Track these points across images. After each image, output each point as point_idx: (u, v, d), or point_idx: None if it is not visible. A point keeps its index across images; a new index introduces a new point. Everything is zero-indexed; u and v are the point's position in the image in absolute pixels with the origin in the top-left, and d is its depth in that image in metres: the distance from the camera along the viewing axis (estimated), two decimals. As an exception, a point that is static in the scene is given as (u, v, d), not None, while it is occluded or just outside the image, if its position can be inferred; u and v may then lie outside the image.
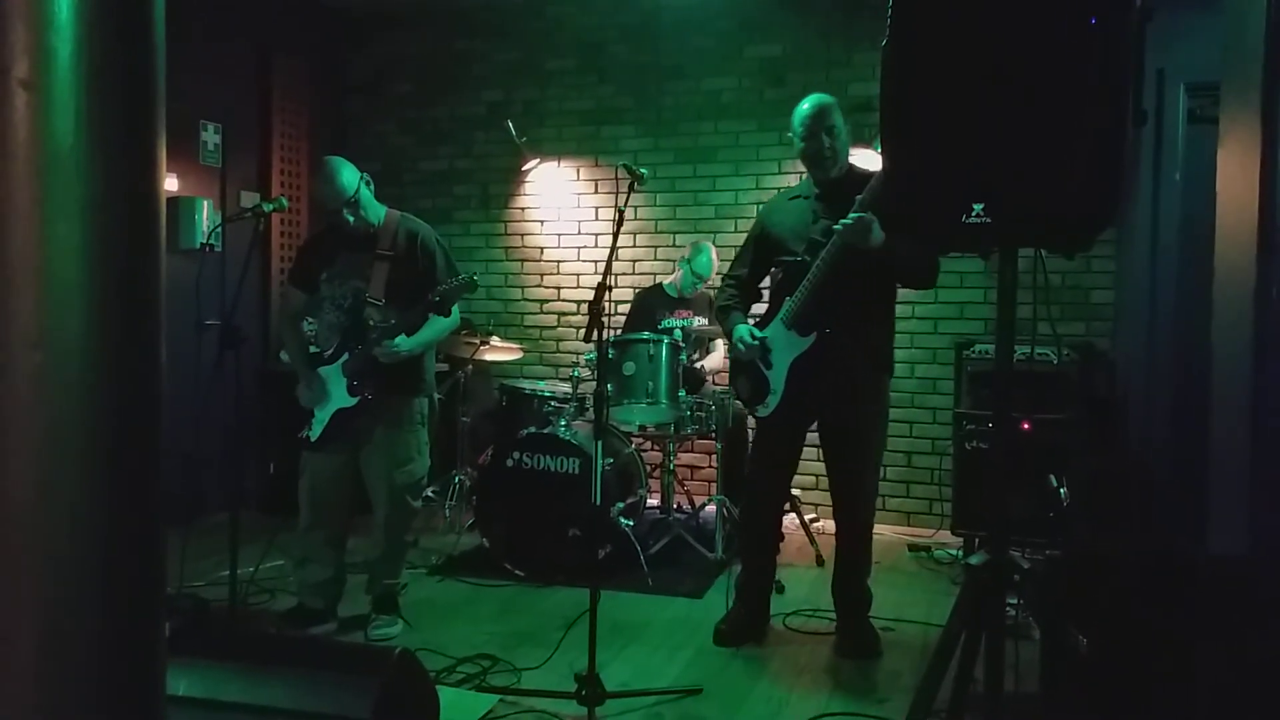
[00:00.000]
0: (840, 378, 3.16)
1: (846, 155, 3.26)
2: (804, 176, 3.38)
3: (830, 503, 3.44)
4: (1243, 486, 2.47)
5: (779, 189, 5.38)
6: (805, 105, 3.23)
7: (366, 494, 3.46)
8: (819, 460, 3.46)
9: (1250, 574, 2.21)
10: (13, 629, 0.95)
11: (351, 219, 3.30)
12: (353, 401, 3.31)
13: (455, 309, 3.43)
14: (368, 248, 3.36)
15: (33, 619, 0.95)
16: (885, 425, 3.39)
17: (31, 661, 0.95)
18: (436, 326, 3.38)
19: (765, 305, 3.43)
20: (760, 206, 3.54)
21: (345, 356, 3.33)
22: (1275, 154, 2.30)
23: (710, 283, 5.07)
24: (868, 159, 5.08)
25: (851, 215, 2.94)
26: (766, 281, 3.54)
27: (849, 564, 3.35)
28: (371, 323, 3.31)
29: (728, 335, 3.42)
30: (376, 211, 3.40)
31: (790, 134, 3.27)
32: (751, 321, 3.36)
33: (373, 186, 3.39)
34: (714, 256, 4.96)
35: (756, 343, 3.24)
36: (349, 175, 3.30)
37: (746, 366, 3.32)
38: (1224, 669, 1.96)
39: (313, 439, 3.37)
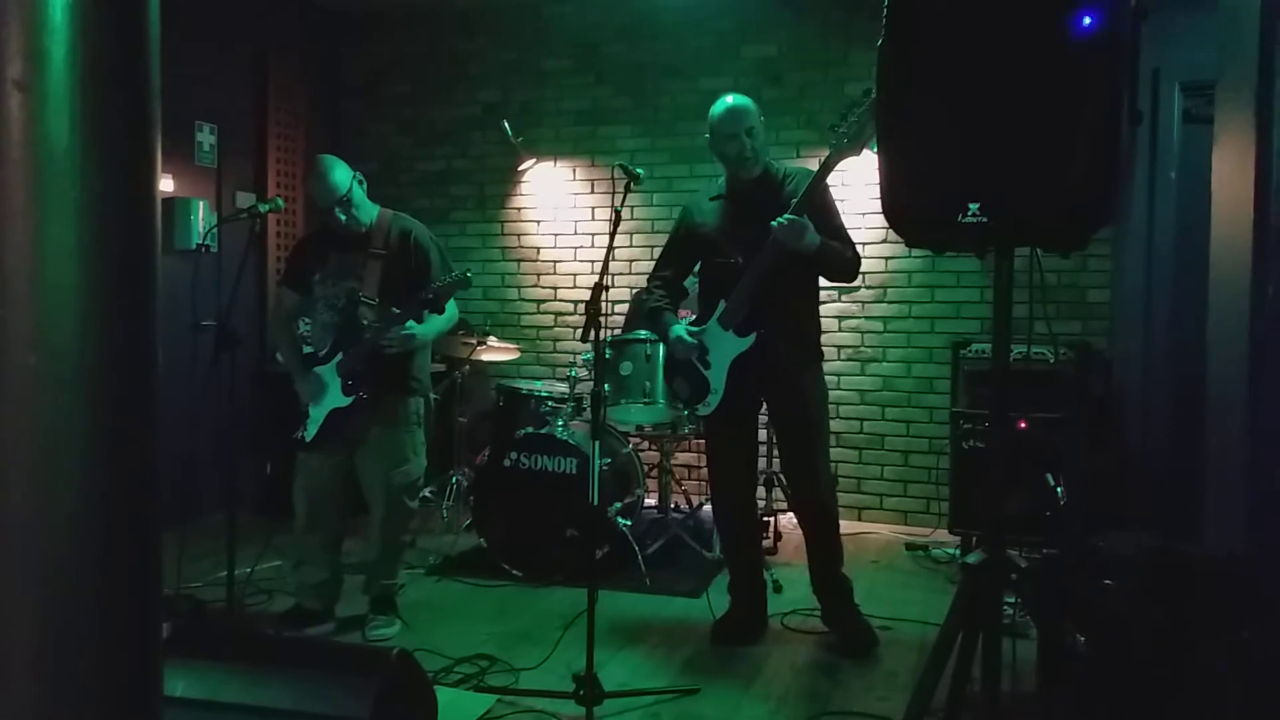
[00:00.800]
0: (780, 371, 3.25)
1: (765, 155, 3.32)
2: (720, 178, 3.43)
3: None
4: (1239, 484, 2.48)
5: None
6: (719, 107, 3.28)
7: (362, 495, 3.45)
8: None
9: (1247, 572, 2.21)
10: (10, 630, 0.95)
11: (343, 218, 3.30)
12: (347, 401, 3.31)
13: (453, 305, 3.44)
14: (361, 247, 3.36)
15: (30, 620, 0.95)
16: (826, 409, 3.47)
17: (29, 662, 0.95)
18: (438, 321, 3.38)
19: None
20: (679, 208, 3.58)
21: (339, 356, 3.32)
22: (1269, 153, 2.31)
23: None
24: (866, 159, 5.10)
25: (785, 217, 3.02)
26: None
27: (821, 554, 3.38)
28: (366, 322, 3.30)
29: (662, 337, 3.47)
30: (369, 211, 3.39)
31: (706, 134, 3.32)
32: (684, 321, 3.40)
33: (365, 186, 3.38)
34: None
35: (694, 342, 3.28)
36: (341, 174, 3.29)
37: (683, 367, 3.37)
38: (1221, 667, 1.96)
39: (307, 439, 3.36)
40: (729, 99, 3.30)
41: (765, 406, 3.44)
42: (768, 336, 3.20)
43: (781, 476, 3.64)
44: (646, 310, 3.54)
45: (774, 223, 3.04)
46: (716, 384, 3.28)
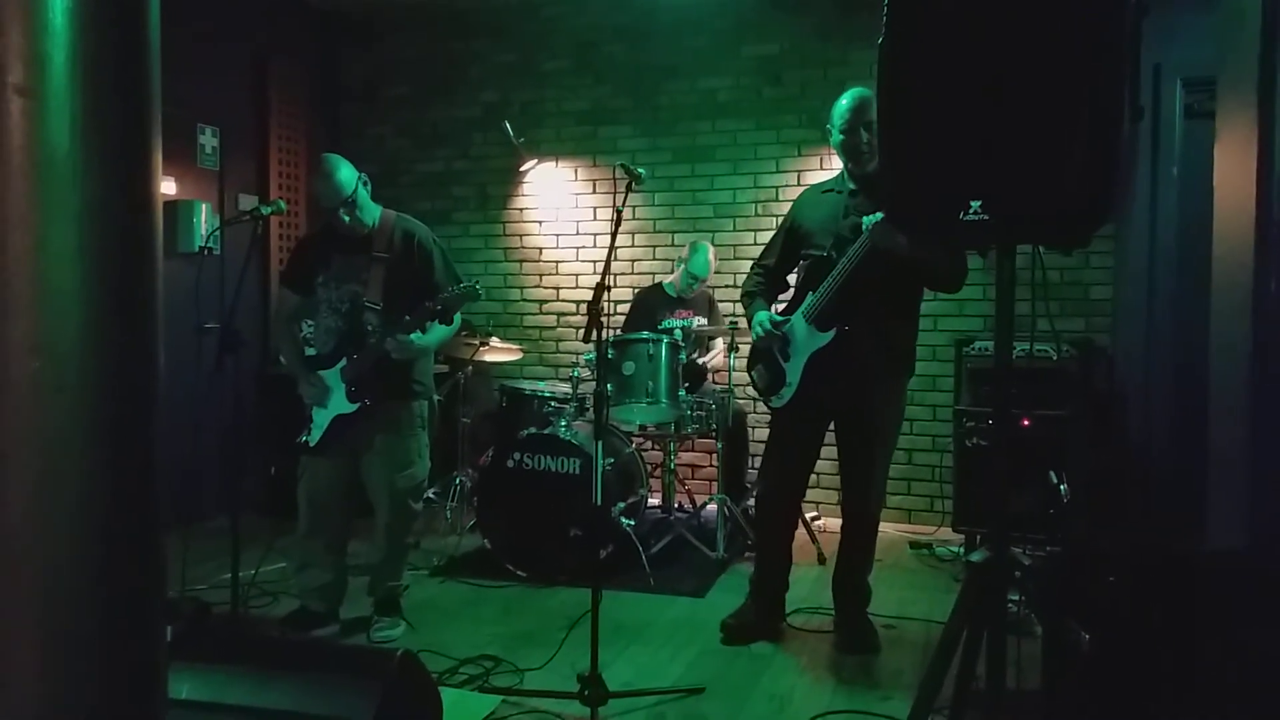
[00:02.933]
0: (857, 375, 3.14)
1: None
2: (841, 170, 3.30)
3: (833, 500, 3.44)
4: (1241, 481, 2.47)
5: (777, 187, 5.40)
6: (845, 99, 3.16)
7: (366, 496, 3.45)
8: (821, 458, 3.45)
9: (1249, 569, 2.21)
10: (13, 633, 0.95)
11: (347, 219, 3.29)
12: (352, 408, 3.31)
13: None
14: (364, 250, 3.35)
15: (33, 624, 0.95)
16: (899, 425, 3.35)
17: (32, 665, 0.95)
18: (442, 330, 3.37)
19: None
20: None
21: (343, 362, 3.32)
22: (1272, 148, 2.31)
23: (708, 282, 5.08)
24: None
25: (879, 214, 2.91)
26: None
27: (852, 560, 3.35)
28: (370, 328, 3.30)
29: (749, 320, 3.40)
30: (372, 212, 3.38)
31: (828, 126, 3.22)
32: (776, 309, 3.34)
33: (370, 187, 3.38)
34: (711, 257, 4.95)
35: (777, 331, 3.23)
36: (347, 174, 3.29)
37: (764, 355, 3.31)
38: (1225, 663, 1.96)
39: (311, 444, 3.36)
40: (855, 90, 3.17)
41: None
42: (850, 336, 3.10)
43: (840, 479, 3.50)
44: (742, 294, 3.50)
45: (866, 219, 2.95)
46: (792, 377, 3.22)
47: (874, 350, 3.14)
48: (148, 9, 1.00)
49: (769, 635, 3.40)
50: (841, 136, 3.15)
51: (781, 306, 3.37)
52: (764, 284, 3.42)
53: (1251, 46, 2.39)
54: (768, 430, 3.49)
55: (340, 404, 3.32)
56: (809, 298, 3.18)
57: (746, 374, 3.56)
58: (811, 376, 3.18)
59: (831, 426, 3.35)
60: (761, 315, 3.29)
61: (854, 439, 3.28)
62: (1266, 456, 2.36)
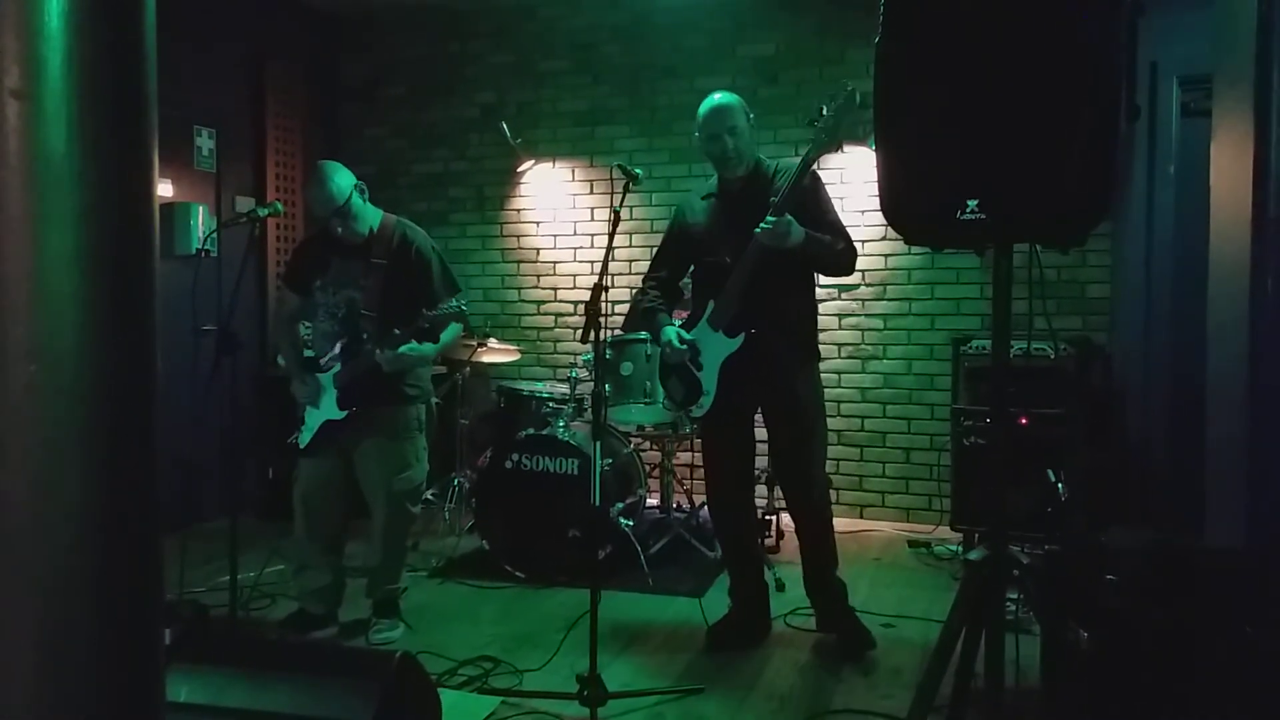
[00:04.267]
0: (772, 371, 3.20)
1: (752, 153, 3.29)
2: (713, 177, 3.40)
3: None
4: (1239, 478, 2.48)
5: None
6: (704, 107, 3.26)
7: (364, 497, 3.45)
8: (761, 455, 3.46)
9: (1248, 565, 2.22)
10: (11, 637, 0.95)
11: (340, 229, 3.28)
12: (341, 415, 3.30)
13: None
14: (362, 255, 3.34)
15: (31, 627, 0.95)
16: (822, 410, 3.41)
17: (30, 669, 0.95)
18: (431, 346, 3.35)
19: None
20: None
21: (336, 368, 3.32)
22: (1267, 146, 2.31)
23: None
24: (864, 156, 5.11)
25: (767, 221, 2.98)
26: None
27: (815, 556, 3.35)
28: (365, 335, 3.29)
29: (655, 338, 3.44)
30: (370, 219, 3.37)
31: (695, 134, 3.30)
32: (678, 322, 3.38)
33: (367, 194, 3.36)
34: None
35: (685, 346, 3.26)
36: (342, 181, 3.26)
37: (677, 369, 3.34)
38: (1223, 661, 1.96)
39: (301, 445, 3.36)
40: (715, 97, 3.28)
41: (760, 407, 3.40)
42: (758, 337, 3.16)
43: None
44: (641, 311, 3.51)
45: (757, 229, 3.01)
46: (708, 385, 3.25)
47: (783, 346, 3.20)
48: (143, 11, 1.00)
49: (754, 640, 3.38)
50: (707, 145, 3.23)
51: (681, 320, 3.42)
52: (661, 297, 3.45)
53: (1247, 44, 2.40)
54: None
55: (331, 409, 3.32)
56: (710, 305, 3.23)
57: (661, 388, 3.60)
58: (727, 382, 3.22)
59: (761, 426, 3.39)
60: (669, 330, 3.31)
61: (784, 434, 3.31)
62: (1263, 453, 2.36)
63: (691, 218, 3.40)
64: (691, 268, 3.44)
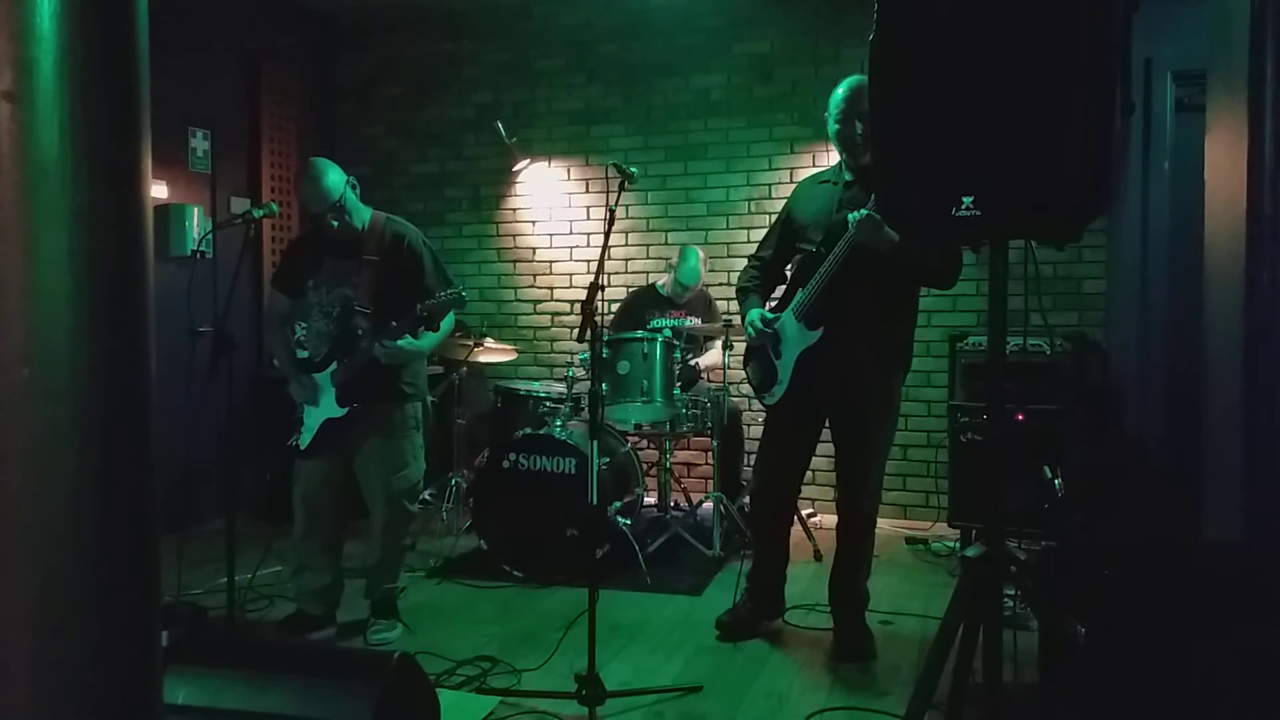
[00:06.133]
0: (847, 373, 3.11)
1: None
2: (839, 161, 3.28)
3: (829, 497, 3.41)
4: (1236, 474, 2.48)
5: (769, 185, 5.40)
6: (840, 89, 3.13)
7: (361, 498, 3.45)
8: (817, 454, 3.44)
9: (1244, 561, 2.22)
10: (8, 640, 0.95)
11: (335, 224, 3.28)
12: (342, 412, 3.30)
13: (450, 316, 3.41)
14: (354, 253, 3.34)
15: (29, 630, 0.95)
16: (894, 422, 3.32)
17: (27, 671, 0.95)
18: (432, 335, 3.37)
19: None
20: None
21: (334, 366, 3.31)
22: (1262, 142, 2.31)
23: (705, 280, 5.07)
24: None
25: (864, 210, 2.88)
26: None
27: (849, 562, 3.30)
28: (361, 331, 3.29)
29: (742, 317, 3.38)
30: (362, 215, 3.37)
31: (825, 115, 3.20)
32: (769, 306, 3.33)
33: (358, 190, 3.37)
34: (700, 262, 4.92)
35: (768, 330, 3.21)
36: (335, 177, 3.27)
37: (757, 352, 3.30)
38: (1219, 656, 1.97)
39: (302, 447, 3.36)
40: (850, 80, 3.13)
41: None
42: (839, 334, 3.07)
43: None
44: (737, 289, 3.46)
45: (850, 216, 2.91)
46: (783, 375, 3.19)
47: (863, 348, 3.10)
48: (136, 12, 1.00)
49: (764, 631, 3.39)
50: (836, 126, 3.13)
51: (773, 304, 3.36)
52: (759, 278, 3.39)
53: (1241, 40, 2.40)
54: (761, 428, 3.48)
55: (330, 407, 3.32)
56: (799, 294, 3.16)
57: (743, 370, 3.55)
58: (801, 374, 3.16)
59: (827, 424, 3.35)
60: (754, 314, 3.27)
61: (847, 437, 3.26)
62: (1260, 449, 2.36)
63: (803, 203, 3.31)
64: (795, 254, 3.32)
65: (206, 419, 3.56)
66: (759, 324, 3.23)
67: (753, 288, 3.38)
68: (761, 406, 3.43)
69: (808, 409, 3.26)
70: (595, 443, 2.75)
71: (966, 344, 4.35)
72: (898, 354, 3.21)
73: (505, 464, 4.10)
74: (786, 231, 3.34)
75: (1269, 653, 1.87)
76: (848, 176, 3.20)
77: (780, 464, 3.35)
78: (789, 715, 2.80)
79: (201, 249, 4.69)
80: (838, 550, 3.34)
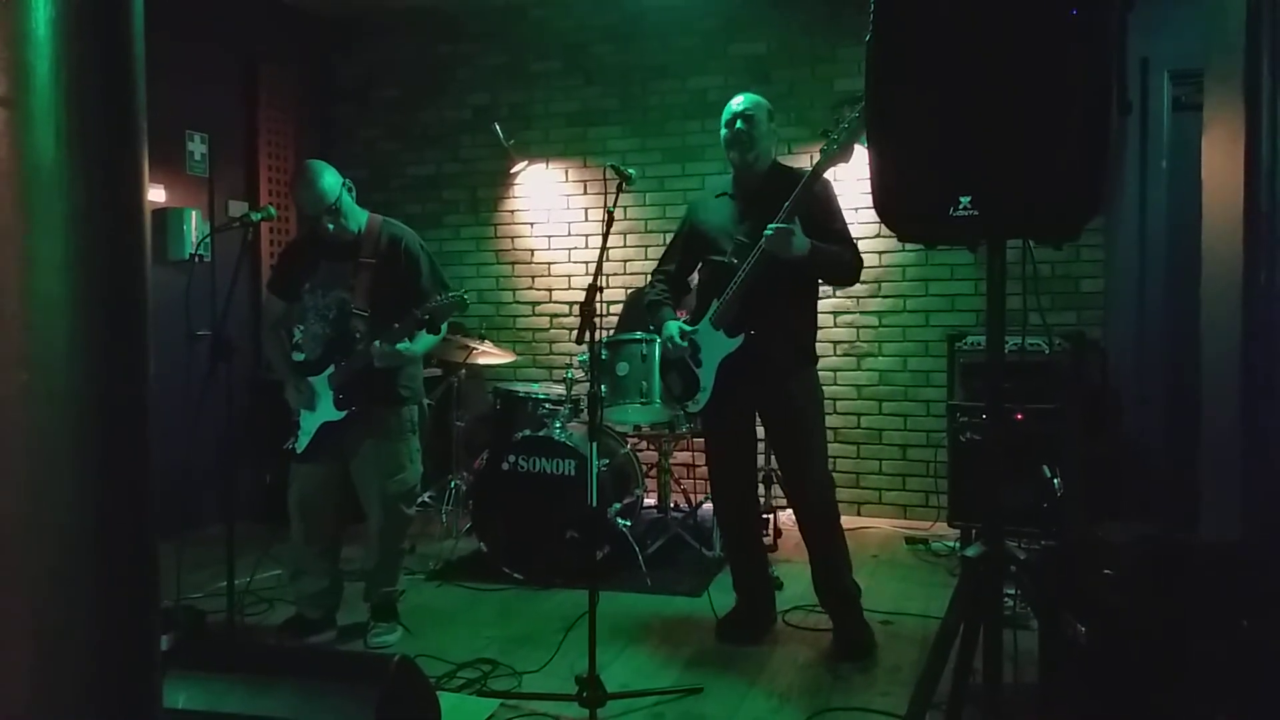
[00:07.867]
0: (769, 374, 3.22)
1: (768, 151, 3.32)
2: (729, 174, 3.42)
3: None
4: (1234, 472, 2.48)
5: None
6: (730, 103, 3.34)
7: (359, 501, 3.45)
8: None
9: (1243, 559, 2.22)
10: (7, 645, 0.94)
11: (331, 226, 3.28)
12: (340, 415, 3.30)
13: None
14: (350, 256, 3.34)
15: (27, 634, 0.95)
16: (821, 410, 3.42)
17: (26, 675, 0.95)
18: (428, 338, 3.37)
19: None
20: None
21: (331, 369, 3.31)
22: (1258, 140, 2.32)
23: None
24: (857, 154, 5.10)
25: (773, 226, 3.02)
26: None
27: (822, 556, 3.32)
28: (358, 334, 3.29)
29: (657, 330, 3.48)
30: (358, 218, 3.37)
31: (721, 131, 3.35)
32: (682, 318, 3.41)
33: (354, 192, 3.37)
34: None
35: (685, 343, 3.29)
36: (330, 180, 3.26)
37: (676, 364, 3.38)
38: (1220, 654, 1.97)
39: (299, 451, 3.35)
40: (745, 95, 3.36)
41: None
42: (757, 338, 3.18)
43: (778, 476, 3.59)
44: (646, 303, 3.54)
45: (765, 231, 3.04)
46: (705, 383, 3.28)
47: (781, 348, 3.23)
48: (131, 17, 1.00)
49: (762, 632, 3.41)
50: (725, 136, 3.30)
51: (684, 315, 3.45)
52: (667, 291, 3.49)
53: (1237, 38, 2.40)
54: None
55: (328, 411, 3.32)
56: (714, 304, 3.25)
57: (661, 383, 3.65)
58: (724, 381, 3.26)
59: (760, 424, 3.41)
60: (671, 326, 3.35)
61: (783, 433, 3.34)
62: (1258, 447, 2.37)
63: (704, 215, 3.42)
64: (699, 264, 3.45)
65: (205, 423, 3.56)
66: (678, 337, 3.31)
67: (663, 301, 3.47)
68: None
69: (734, 410, 3.34)
70: (595, 444, 2.75)
71: (965, 343, 4.35)
72: (808, 350, 3.35)
73: (505, 466, 4.09)
74: (691, 244, 3.45)
75: (1268, 648, 1.87)
76: (740, 188, 3.34)
77: (729, 470, 3.43)
78: (789, 716, 2.79)
79: (199, 252, 4.69)
80: (808, 549, 3.36)
